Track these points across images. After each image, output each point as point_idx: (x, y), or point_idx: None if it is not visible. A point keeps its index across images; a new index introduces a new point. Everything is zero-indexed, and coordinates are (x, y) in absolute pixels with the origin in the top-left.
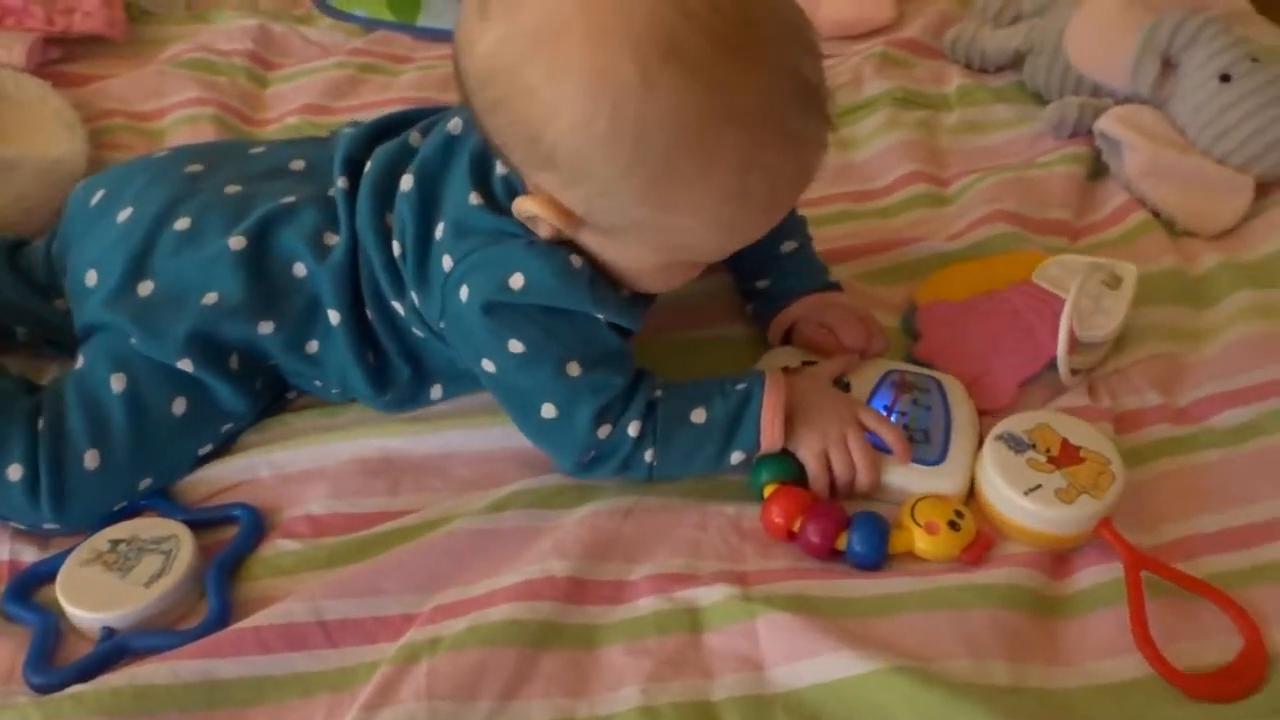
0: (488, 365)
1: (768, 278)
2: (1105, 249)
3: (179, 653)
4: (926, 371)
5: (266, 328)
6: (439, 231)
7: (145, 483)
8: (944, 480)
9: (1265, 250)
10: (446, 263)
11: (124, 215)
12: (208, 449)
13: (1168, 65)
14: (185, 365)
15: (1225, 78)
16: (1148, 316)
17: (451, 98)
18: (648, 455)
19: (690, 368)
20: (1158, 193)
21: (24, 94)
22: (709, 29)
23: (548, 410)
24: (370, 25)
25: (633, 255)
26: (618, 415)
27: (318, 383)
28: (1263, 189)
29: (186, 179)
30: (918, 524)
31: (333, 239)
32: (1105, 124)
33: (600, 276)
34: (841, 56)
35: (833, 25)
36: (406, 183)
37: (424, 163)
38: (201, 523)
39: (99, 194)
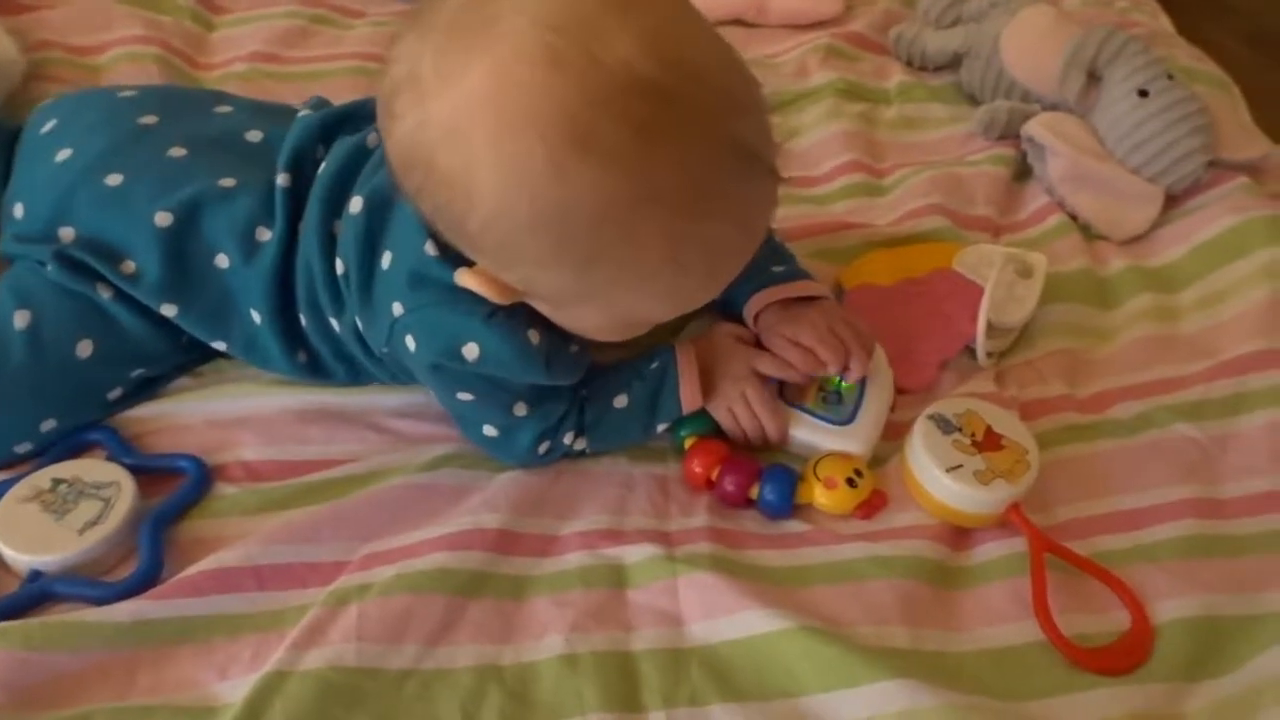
0: (432, 391)
1: None
2: (1024, 247)
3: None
4: None
5: (170, 310)
6: (386, 260)
7: (49, 424)
8: (849, 440)
9: (1168, 258)
10: (397, 309)
11: (62, 155)
12: (117, 394)
13: (1092, 78)
14: (105, 289)
15: (1143, 93)
16: (1057, 313)
17: None
18: (580, 445)
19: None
20: (1076, 197)
21: None
22: (623, 116)
23: (489, 430)
24: None
25: (584, 317)
26: (555, 433)
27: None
28: (1171, 200)
29: (134, 130)
30: (818, 479)
31: (265, 234)
32: (1031, 128)
33: (555, 336)
34: (789, 46)
35: (782, 16)
36: (356, 205)
37: (374, 191)
38: (147, 470)
39: (51, 123)
